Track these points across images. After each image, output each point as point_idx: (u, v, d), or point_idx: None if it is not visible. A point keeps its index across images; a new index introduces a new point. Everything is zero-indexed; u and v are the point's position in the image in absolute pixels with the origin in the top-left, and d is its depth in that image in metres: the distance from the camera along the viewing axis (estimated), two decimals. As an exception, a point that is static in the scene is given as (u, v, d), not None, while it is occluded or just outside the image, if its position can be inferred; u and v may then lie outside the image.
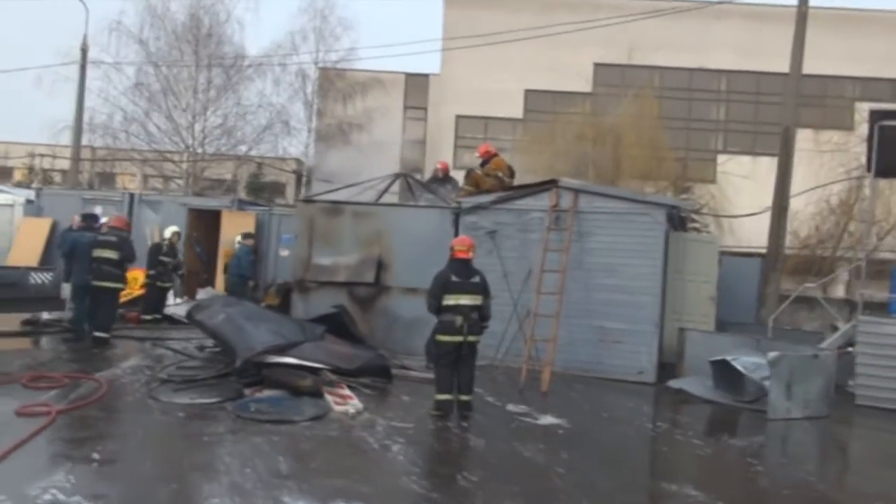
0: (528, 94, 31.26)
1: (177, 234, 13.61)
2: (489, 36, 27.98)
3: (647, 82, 30.48)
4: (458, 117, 31.24)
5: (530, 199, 11.01)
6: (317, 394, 7.83)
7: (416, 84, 33.49)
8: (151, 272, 12.65)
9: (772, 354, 8.61)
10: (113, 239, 10.37)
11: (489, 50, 30.08)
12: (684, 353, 10.51)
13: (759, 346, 9.98)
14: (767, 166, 29.14)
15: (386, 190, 12.78)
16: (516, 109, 31.21)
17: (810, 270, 15.62)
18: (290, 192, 31.55)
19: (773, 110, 31.58)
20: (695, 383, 9.83)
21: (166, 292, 13.18)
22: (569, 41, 30.09)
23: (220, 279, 14.86)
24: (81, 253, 10.59)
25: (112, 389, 7.67)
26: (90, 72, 22.91)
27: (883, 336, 9.53)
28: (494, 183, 11.71)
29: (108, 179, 32.23)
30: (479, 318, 7.64)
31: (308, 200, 12.21)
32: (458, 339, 7.49)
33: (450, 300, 7.51)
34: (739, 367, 9.25)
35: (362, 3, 46.22)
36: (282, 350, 8.35)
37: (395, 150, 31.78)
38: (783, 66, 32.07)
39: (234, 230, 15.20)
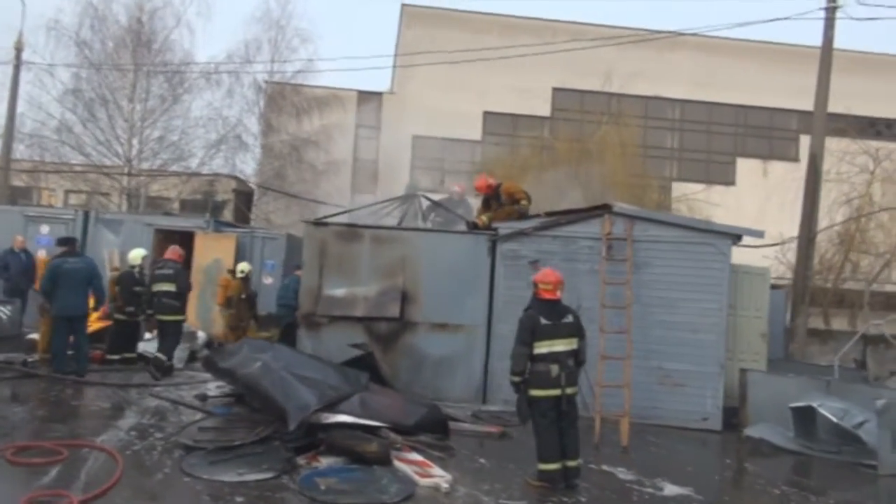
0: (487, 116, 30.49)
1: (146, 258, 11.70)
2: (448, 55, 27.11)
3: (604, 108, 30.48)
4: (415, 137, 30.08)
5: (578, 225, 9.94)
6: (385, 461, 6.41)
7: (370, 102, 32.13)
8: (129, 308, 10.74)
9: (880, 402, 7.82)
10: (170, 272, 10.37)
11: (448, 70, 29.24)
12: (747, 396, 9.64)
13: (830, 389, 9.24)
14: (721, 194, 29.56)
15: (405, 214, 11.40)
16: (475, 131, 30.37)
17: (815, 302, 15.29)
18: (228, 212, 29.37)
19: (724, 140, 32.27)
20: (772, 432, 8.95)
21: (138, 327, 11.26)
22: (529, 64, 29.66)
23: (191, 310, 12.98)
24: (65, 281, 9.03)
25: (128, 463, 5.98)
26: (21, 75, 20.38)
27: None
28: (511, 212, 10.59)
29: (24, 194, 29.08)
30: (575, 364, 6.46)
31: (319, 223, 10.68)
32: (556, 392, 6.29)
33: (542, 347, 6.29)
34: (828, 415, 8.44)
35: (318, 17, 44.49)
36: (333, 405, 6.87)
37: (347, 170, 30.31)
38: (734, 97, 32.68)
39: (209, 254, 13.45)
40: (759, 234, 9.58)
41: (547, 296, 6.48)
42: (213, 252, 13.34)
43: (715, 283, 9.49)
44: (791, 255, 17.83)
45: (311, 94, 27.96)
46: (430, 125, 29.66)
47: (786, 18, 19.77)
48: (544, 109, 30.80)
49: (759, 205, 25.22)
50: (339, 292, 10.30)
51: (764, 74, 30.69)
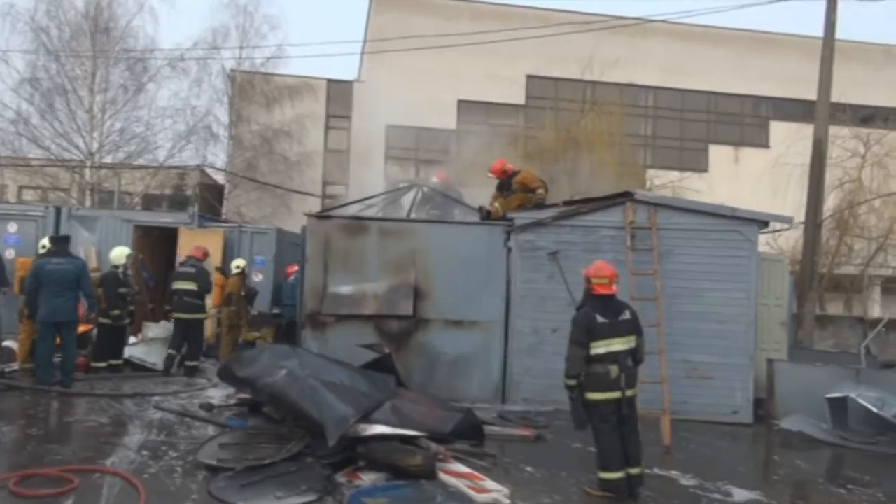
0: (462, 104, 29.90)
1: (130, 257, 10.86)
2: (419, 41, 26.48)
3: (580, 96, 30.22)
4: (389, 127, 29.33)
5: (599, 214, 9.50)
6: (430, 474, 5.87)
7: (339, 91, 31.20)
8: (115, 311, 9.93)
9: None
10: (191, 270, 10.41)
11: (420, 57, 28.59)
12: (774, 387, 9.37)
13: (860, 378, 9.01)
14: (695, 181, 29.55)
15: (412, 205, 10.76)
16: (449, 120, 29.75)
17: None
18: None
19: (697, 127, 32.35)
20: (807, 423, 8.67)
21: (124, 332, 10.46)
22: (502, 52, 29.19)
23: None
24: (49, 283, 8.37)
25: (149, 489, 5.31)
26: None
27: None
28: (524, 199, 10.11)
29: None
30: (634, 364, 6.01)
31: (322, 216, 10.01)
32: (616, 394, 5.81)
33: (599, 347, 5.80)
34: (867, 405, 8.18)
35: (287, 2, 42.99)
36: (368, 415, 6.29)
37: (318, 161, 29.45)
38: (705, 84, 32.68)
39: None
40: (788, 220, 9.30)
41: (602, 291, 5.99)
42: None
43: (742, 271, 9.16)
44: (782, 241, 17.83)
45: (281, 83, 27.03)
46: (403, 114, 28.95)
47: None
48: (519, 97, 30.39)
49: (732, 191, 25.29)
50: (346, 289, 9.66)
51: (734, 61, 30.82)
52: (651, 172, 29.75)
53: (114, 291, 10.03)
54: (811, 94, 12.81)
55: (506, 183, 10.47)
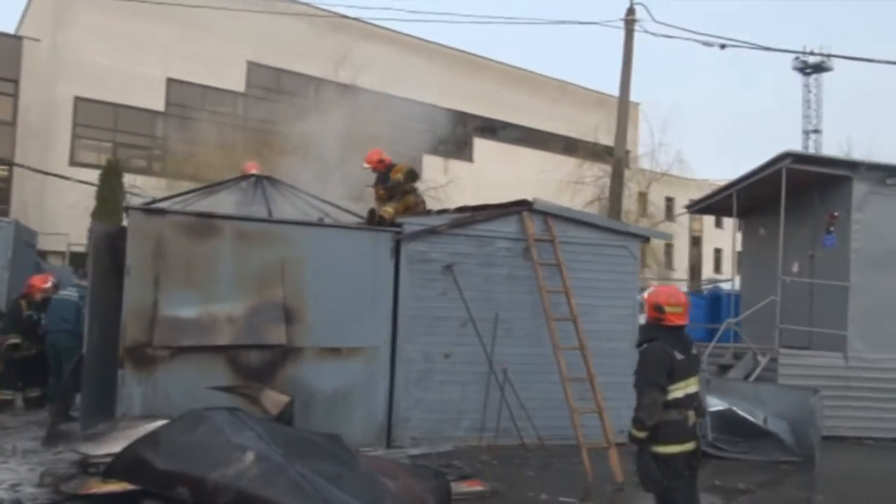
0: (172, 83, 25.96)
1: None
2: (119, 4, 22.42)
3: (301, 91, 28.73)
4: (79, 100, 24.20)
5: (494, 223, 8.49)
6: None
7: (4, 47, 24.65)
8: None
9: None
10: None
11: (122, 23, 24.20)
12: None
13: (711, 388, 9.53)
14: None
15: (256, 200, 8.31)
16: (157, 101, 25.64)
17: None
18: None
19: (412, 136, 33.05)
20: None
21: None
22: (221, 33, 26.28)
23: None
24: None
25: None
26: None
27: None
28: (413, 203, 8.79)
29: None
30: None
31: (152, 210, 7.14)
32: (691, 445, 4.93)
33: (677, 390, 4.87)
34: (747, 416, 8.63)
35: None
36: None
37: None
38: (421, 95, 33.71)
39: None
40: (668, 237, 9.41)
41: (677, 322, 5.01)
42: None
43: (627, 287, 9.03)
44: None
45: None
46: (97, 86, 24.06)
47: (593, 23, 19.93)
48: (238, 84, 27.52)
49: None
50: (189, 312, 7.08)
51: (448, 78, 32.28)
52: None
53: None
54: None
55: (384, 176, 8.86)
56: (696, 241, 43.56)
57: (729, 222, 40.38)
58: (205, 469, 4.05)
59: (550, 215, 8.65)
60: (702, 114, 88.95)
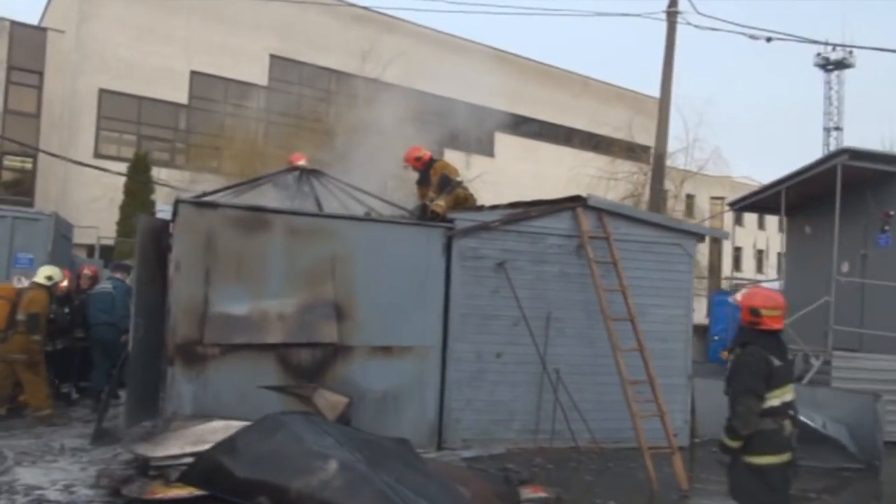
0: (195, 76, 25.79)
1: None
2: None
3: (323, 85, 28.64)
4: (103, 92, 24.09)
5: (547, 219, 8.23)
6: None
7: (27, 38, 24.58)
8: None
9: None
10: None
11: (146, 14, 24.15)
12: (695, 405, 9.16)
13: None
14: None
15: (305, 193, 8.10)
16: (180, 93, 25.50)
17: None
18: None
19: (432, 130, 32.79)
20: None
21: None
22: (244, 24, 26.22)
23: None
24: None
25: None
26: None
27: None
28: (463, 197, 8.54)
29: None
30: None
31: (203, 204, 6.94)
32: (787, 456, 4.67)
33: (774, 398, 4.59)
34: (807, 421, 8.32)
35: None
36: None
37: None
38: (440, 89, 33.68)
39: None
40: (725, 235, 9.13)
41: (775, 326, 4.74)
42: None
43: (681, 286, 8.76)
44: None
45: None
46: (122, 79, 23.98)
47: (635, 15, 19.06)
48: (261, 78, 27.32)
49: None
50: (240, 309, 6.88)
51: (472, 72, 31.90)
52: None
53: None
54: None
55: (424, 174, 8.62)
56: (714, 239, 43.19)
57: (747, 220, 40.02)
58: (286, 478, 3.85)
59: (605, 212, 8.38)
60: (727, 109, 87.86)
